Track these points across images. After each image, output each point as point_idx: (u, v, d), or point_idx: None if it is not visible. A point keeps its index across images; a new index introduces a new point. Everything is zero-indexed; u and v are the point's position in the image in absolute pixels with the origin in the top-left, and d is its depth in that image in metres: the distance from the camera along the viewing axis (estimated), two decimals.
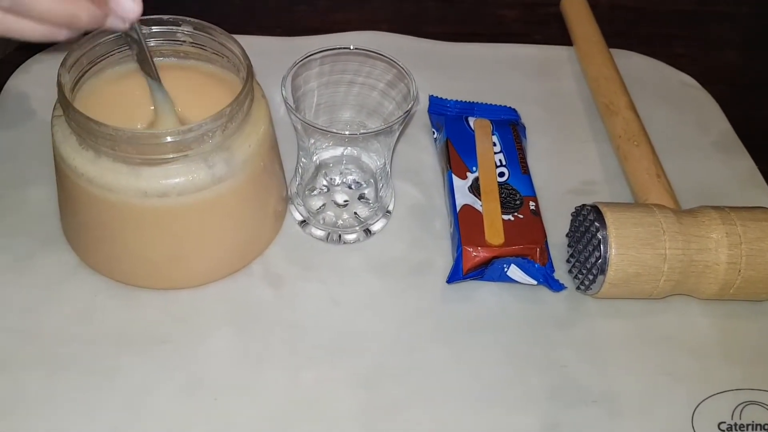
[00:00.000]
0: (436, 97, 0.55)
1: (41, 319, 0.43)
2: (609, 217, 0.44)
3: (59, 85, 0.40)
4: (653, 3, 0.72)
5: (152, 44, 0.45)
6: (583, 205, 0.47)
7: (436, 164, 0.54)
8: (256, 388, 0.41)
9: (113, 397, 0.40)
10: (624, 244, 0.44)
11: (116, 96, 0.44)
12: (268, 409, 0.41)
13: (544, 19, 0.68)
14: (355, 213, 0.49)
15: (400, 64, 0.45)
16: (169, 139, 0.39)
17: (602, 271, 0.44)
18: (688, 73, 0.64)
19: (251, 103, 0.43)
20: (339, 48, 0.46)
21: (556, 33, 0.66)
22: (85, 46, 0.43)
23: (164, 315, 0.44)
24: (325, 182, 0.49)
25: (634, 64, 0.63)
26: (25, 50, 0.60)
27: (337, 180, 0.49)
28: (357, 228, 0.48)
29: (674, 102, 0.61)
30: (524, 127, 0.55)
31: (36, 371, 0.41)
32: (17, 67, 0.58)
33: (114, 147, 0.39)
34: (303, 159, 0.48)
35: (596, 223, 0.44)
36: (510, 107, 0.56)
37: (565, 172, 0.54)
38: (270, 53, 0.59)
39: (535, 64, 0.63)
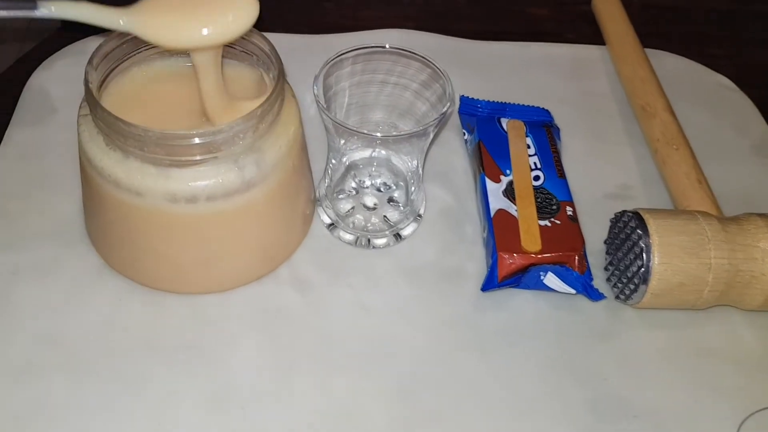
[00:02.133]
0: (467, 97, 0.54)
1: (65, 323, 0.42)
2: (652, 224, 0.43)
3: (86, 83, 0.39)
4: (687, 2, 0.70)
5: None
6: (624, 211, 0.45)
7: (468, 167, 0.52)
8: (284, 397, 0.40)
9: (138, 406, 0.39)
10: (668, 253, 0.42)
11: (143, 94, 0.43)
12: (297, 420, 0.39)
13: (575, 18, 0.66)
14: (385, 216, 0.47)
15: (435, 64, 0.44)
16: (198, 140, 0.37)
17: (645, 280, 0.42)
18: (724, 74, 0.62)
19: (282, 104, 0.41)
20: (372, 47, 0.44)
21: (588, 32, 0.64)
22: (111, 44, 0.42)
23: (190, 320, 0.43)
24: (354, 184, 0.47)
25: (668, 65, 0.61)
26: (47, 46, 0.59)
27: (367, 182, 0.48)
28: (387, 232, 0.47)
29: (710, 104, 0.59)
30: (558, 129, 0.53)
31: (60, 377, 0.40)
32: (39, 63, 0.57)
33: (143, 148, 0.38)
34: (332, 160, 0.46)
35: (638, 231, 0.43)
36: (543, 108, 0.54)
37: (601, 175, 0.53)
38: (296, 51, 0.58)
39: (567, 63, 0.62)
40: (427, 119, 0.44)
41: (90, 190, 0.42)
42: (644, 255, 0.42)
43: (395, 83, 0.46)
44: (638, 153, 0.55)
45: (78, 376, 0.40)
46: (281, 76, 0.41)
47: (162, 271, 0.43)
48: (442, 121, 0.42)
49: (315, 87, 0.42)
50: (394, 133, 0.42)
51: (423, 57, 0.44)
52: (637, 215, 0.44)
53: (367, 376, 0.41)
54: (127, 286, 0.44)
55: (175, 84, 0.44)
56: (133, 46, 0.43)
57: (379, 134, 0.41)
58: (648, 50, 0.60)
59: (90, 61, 0.40)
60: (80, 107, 0.41)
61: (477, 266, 0.47)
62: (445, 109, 0.42)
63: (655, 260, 0.42)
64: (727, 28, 0.69)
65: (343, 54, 0.44)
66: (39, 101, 0.54)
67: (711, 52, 0.65)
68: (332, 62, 0.44)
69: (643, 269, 0.42)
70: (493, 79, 0.59)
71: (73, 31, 0.62)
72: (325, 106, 0.42)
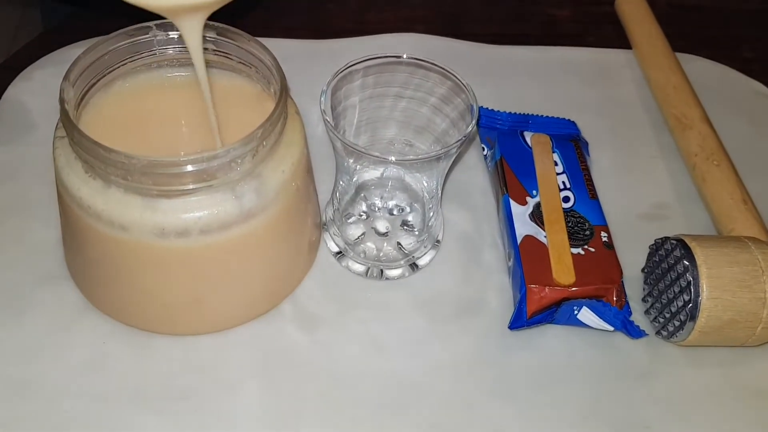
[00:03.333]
0: (486, 108, 0.49)
1: (42, 370, 0.38)
2: (699, 254, 0.38)
3: (62, 102, 0.34)
4: (714, 1, 0.65)
5: (170, 52, 0.39)
6: (665, 238, 0.41)
7: (487, 186, 0.48)
8: None
9: None
10: (718, 287, 0.38)
11: (129, 113, 0.38)
12: None
13: (597, 19, 0.62)
14: (399, 244, 0.42)
15: (457, 75, 0.39)
16: (190, 167, 0.33)
17: (692, 317, 0.38)
18: (760, 80, 0.57)
19: (284, 123, 0.37)
20: (386, 56, 0.39)
21: (612, 34, 0.60)
22: (92, 55, 0.37)
23: (183, 365, 0.38)
24: (364, 207, 0.43)
25: (699, 70, 0.56)
26: (25, 55, 0.54)
27: (378, 204, 0.43)
28: (401, 262, 0.42)
29: (745, 114, 0.55)
30: (587, 143, 0.49)
31: None
32: (17, 73, 0.52)
33: (126, 176, 0.33)
34: (341, 181, 0.42)
35: (684, 261, 0.38)
36: (569, 120, 0.49)
37: (633, 194, 0.48)
38: (298, 58, 0.54)
39: (590, 69, 0.57)
40: (447, 137, 0.39)
41: (68, 221, 0.37)
42: (691, 289, 0.38)
43: (411, 97, 0.41)
44: (672, 168, 0.50)
45: (57, 430, 0.36)
46: (284, 92, 0.36)
47: (151, 311, 0.38)
48: (464, 143, 0.37)
49: (322, 103, 0.38)
50: (411, 157, 0.37)
51: (443, 68, 0.40)
52: (681, 243, 0.39)
53: (381, 427, 0.37)
54: (111, 327, 0.39)
55: (165, 100, 0.39)
56: (117, 57, 0.38)
57: (392, 158, 0.36)
58: (676, 54, 0.55)
59: (66, 76, 0.35)
60: (56, 128, 0.37)
61: (502, 299, 0.42)
62: (470, 128, 0.37)
63: (704, 294, 0.38)
64: (760, 29, 0.64)
65: (353, 65, 0.39)
66: (16, 116, 0.50)
67: (743, 56, 0.60)
68: (341, 74, 0.39)
69: (690, 305, 0.38)
70: (511, 86, 0.55)
71: (55, 34, 0.58)
72: (333, 125, 0.38)
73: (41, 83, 0.52)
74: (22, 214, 0.44)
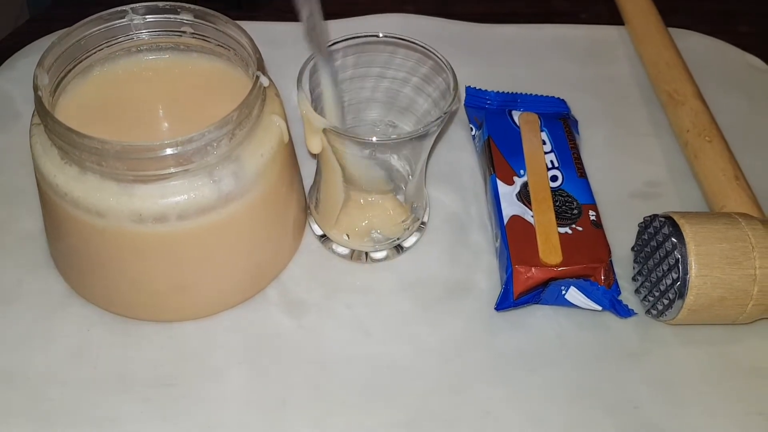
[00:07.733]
0: (474, 88, 0.48)
1: (26, 358, 0.38)
2: (687, 231, 0.38)
3: (36, 88, 0.34)
4: None
5: (145, 37, 0.39)
6: (654, 215, 0.40)
7: (476, 166, 0.47)
8: None
9: None
10: (707, 264, 0.37)
11: (107, 99, 0.38)
12: None
13: None
14: None
15: (437, 54, 0.38)
16: (164, 152, 0.32)
17: (680, 294, 0.37)
18: (756, 54, 0.56)
19: (263, 104, 0.36)
20: (365, 35, 0.39)
21: (604, 11, 0.59)
22: (66, 41, 0.37)
23: (168, 352, 0.38)
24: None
25: (693, 45, 0.56)
26: (8, 44, 0.54)
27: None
28: (386, 243, 0.42)
29: (741, 88, 0.54)
30: (576, 121, 0.48)
31: (20, 421, 0.35)
32: (2, 62, 0.52)
33: (101, 162, 0.32)
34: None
35: (672, 239, 0.38)
36: (558, 98, 0.49)
37: (625, 172, 0.48)
38: (283, 41, 0.53)
39: (582, 47, 0.56)
40: (428, 117, 0.39)
41: (48, 209, 0.37)
42: (680, 266, 0.37)
43: (393, 77, 0.40)
44: (665, 145, 0.49)
45: (41, 419, 0.36)
46: (260, 75, 0.35)
47: (134, 298, 0.38)
48: (445, 121, 0.37)
49: (300, 84, 0.37)
50: (393, 137, 0.36)
51: (423, 46, 0.39)
52: (670, 220, 0.38)
53: (369, 411, 0.37)
54: (96, 315, 0.39)
55: (143, 85, 0.39)
56: (94, 41, 0.38)
57: (374, 139, 0.36)
58: (670, 29, 0.54)
59: (40, 63, 0.35)
60: (33, 115, 0.36)
61: (489, 280, 0.42)
62: (448, 107, 0.36)
63: (693, 272, 0.37)
64: (754, 3, 0.63)
65: (332, 45, 0.39)
66: (1, 105, 0.49)
67: (739, 30, 0.59)
68: None
69: (678, 282, 0.37)
70: (501, 66, 0.54)
71: (41, 22, 0.57)
72: (312, 107, 0.37)
73: (25, 72, 0.51)
74: (7, 203, 0.44)
